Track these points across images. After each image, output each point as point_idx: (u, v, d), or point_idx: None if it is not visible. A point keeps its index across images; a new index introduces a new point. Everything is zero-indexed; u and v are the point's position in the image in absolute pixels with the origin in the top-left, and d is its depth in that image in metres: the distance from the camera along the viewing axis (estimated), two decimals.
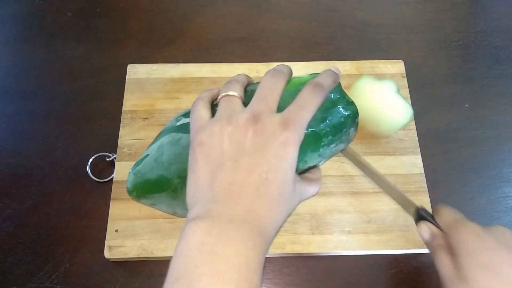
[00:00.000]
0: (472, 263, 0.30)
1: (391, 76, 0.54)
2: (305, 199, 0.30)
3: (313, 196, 0.31)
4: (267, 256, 0.45)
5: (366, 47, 0.58)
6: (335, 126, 0.31)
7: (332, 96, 0.31)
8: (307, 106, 0.28)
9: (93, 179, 0.48)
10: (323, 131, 0.30)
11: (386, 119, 0.45)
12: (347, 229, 0.45)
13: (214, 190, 0.26)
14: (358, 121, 0.32)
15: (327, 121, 0.30)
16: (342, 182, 0.48)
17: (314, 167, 0.32)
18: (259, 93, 0.28)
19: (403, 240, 0.45)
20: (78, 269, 0.45)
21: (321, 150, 0.31)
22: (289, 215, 0.28)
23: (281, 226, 0.28)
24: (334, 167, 0.48)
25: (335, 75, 0.31)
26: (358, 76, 0.54)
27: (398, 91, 0.46)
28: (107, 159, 0.49)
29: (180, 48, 0.58)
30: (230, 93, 0.29)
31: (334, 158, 0.49)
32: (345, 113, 0.31)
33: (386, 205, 0.46)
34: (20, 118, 0.53)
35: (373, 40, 0.59)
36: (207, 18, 0.61)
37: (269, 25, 0.61)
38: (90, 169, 0.49)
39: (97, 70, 0.56)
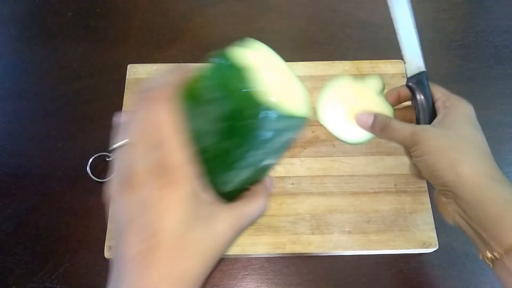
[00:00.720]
0: (461, 115, 0.40)
1: (391, 76, 0.54)
2: (250, 221, 0.27)
3: (260, 214, 0.28)
4: (267, 256, 0.45)
5: (366, 47, 0.58)
6: (242, 134, 0.25)
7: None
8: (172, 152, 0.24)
9: (93, 179, 0.48)
10: (224, 146, 0.26)
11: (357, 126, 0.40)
12: (347, 229, 0.45)
13: (116, 263, 0.24)
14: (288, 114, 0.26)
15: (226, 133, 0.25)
16: (342, 182, 0.48)
17: (254, 179, 0.28)
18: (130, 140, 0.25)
19: (403, 240, 0.45)
20: (78, 269, 0.45)
21: (238, 164, 0.26)
22: (220, 255, 0.26)
23: (208, 273, 0.25)
24: (334, 167, 0.48)
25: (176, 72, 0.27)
26: (358, 76, 0.54)
27: (382, 91, 0.42)
28: (107, 159, 0.49)
29: (180, 48, 0.58)
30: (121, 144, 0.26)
31: (334, 158, 0.49)
32: (255, 111, 0.25)
33: (386, 205, 0.46)
34: (20, 118, 0.53)
35: (373, 40, 0.59)
36: (207, 18, 0.61)
37: (269, 25, 0.61)
38: (90, 169, 0.49)
39: (97, 70, 0.56)
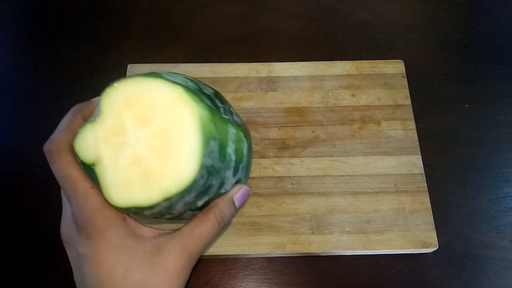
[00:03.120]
0: None
1: (391, 76, 0.54)
2: (206, 241, 0.25)
3: (216, 231, 0.26)
4: (267, 256, 0.45)
5: (366, 47, 0.59)
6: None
7: None
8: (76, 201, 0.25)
9: None
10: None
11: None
12: (347, 229, 0.45)
13: None
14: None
15: None
16: (342, 182, 0.48)
17: (193, 208, 0.26)
18: None
19: (403, 240, 0.45)
20: None
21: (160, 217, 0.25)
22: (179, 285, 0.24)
23: None
24: (334, 167, 0.48)
25: None
26: (359, 76, 0.54)
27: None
28: None
29: (180, 48, 0.58)
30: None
31: (334, 158, 0.49)
32: None
33: (386, 205, 0.46)
34: (20, 118, 0.53)
35: (373, 40, 0.59)
36: (207, 18, 0.61)
37: (269, 25, 0.61)
38: None
39: (97, 70, 0.56)
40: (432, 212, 0.46)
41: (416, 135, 0.50)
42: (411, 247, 0.44)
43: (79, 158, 0.24)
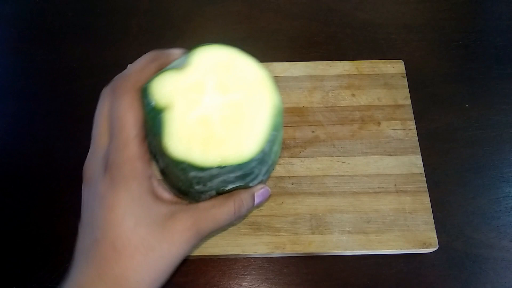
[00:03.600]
0: None
1: (391, 76, 0.54)
2: (216, 224, 0.25)
3: (229, 219, 0.26)
4: (267, 256, 0.45)
5: (366, 47, 0.58)
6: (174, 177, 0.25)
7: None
8: (121, 135, 0.24)
9: None
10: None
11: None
12: (347, 229, 0.45)
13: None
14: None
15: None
16: (342, 182, 0.48)
17: (226, 189, 0.26)
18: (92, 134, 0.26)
19: (403, 240, 0.45)
20: None
21: (190, 187, 0.25)
22: (172, 264, 0.24)
23: (160, 278, 0.24)
24: (334, 167, 0.48)
25: None
26: (359, 76, 0.54)
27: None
28: None
29: (180, 48, 0.58)
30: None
31: (334, 158, 0.49)
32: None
33: (386, 205, 0.46)
34: (20, 118, 0.53)
35: (373, 40, 0.59)
36: (207, 18, 0.61)
37: (269, 25, 0.61)
38: None
39: (97, 70, 0.56)
40: (432, 212, 0.46)
41: (416, 135, 0.50)
42: (411, 247, 0.44)
43: (150, 99, 0.24)
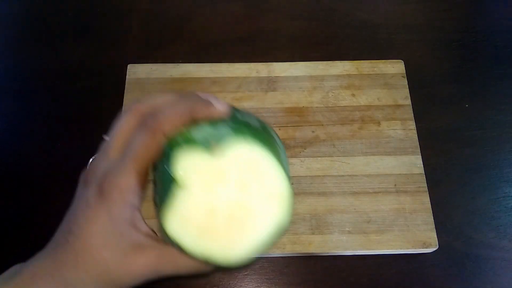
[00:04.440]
0: None
1: (391, 76, 0.54)
2: (174, 271, 0.26)
3: (189, 272, 0.26)
4: (267, 256, 0.45)
5: (366, 47, 0.58)
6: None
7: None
8: (127, 164, 0.25)
9: None
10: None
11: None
12: (347, 229, 0.45)
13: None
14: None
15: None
16: (342, 182, 0.48)
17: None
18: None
19: (403, 240, 0.45)
20: None
21: None
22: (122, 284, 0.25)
23: None
24: (334, 167, 0.48)
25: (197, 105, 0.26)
26: (359, 76, 0.54)
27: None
28: None
29: (180, 48, 0.58)
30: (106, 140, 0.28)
31: (334, 158, 0.49)
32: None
33: (386, 205, 0.46)
34: (20, 118, 0.53)
35: (373, 40, 0.59)
36: (207, 18, 0.61)
37: (269, 25, 0.61)
38: None
39: (97, 70, 0.56)
40: (432, 212, 0.46)
41: (416, 135, 0.50)
42: (411, 247, 0.44)
43: (170, 163, 0.23)
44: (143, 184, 0.26)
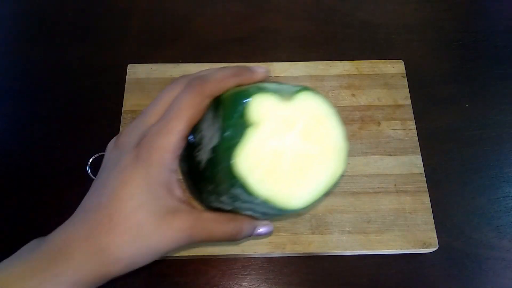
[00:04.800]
0: None
1: (391, 76, 0.54)
2: (210, 238, 0.25)
3: (223, 239, 0.26)
4: (267, 256, 0.45)
5: (366, 47, 0.58)
6: (216, 184, 0.24)
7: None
8: (170, 123, 0.24)
9: (93, 179, 0.48)
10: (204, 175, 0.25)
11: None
12: (347, 229, 0.45)
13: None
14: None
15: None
16: (342, 182, 0.48)
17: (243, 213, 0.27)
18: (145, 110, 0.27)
19: (403, 240, 0.45)
20: None
21: (213, 197, 0.26)
22: (155, 255, 0.25)
23: (133, 265, 0.25)
24: None
25: (233, 71, 0.26)
26: (359, 76, 0.54)
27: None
28: None
29: (180, 48, 0.58)
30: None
31: None
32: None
33: (386, 205, 0.46)
34: (20, 118, 0.53)
35: (373, 40, 0.59)
36: (207, 18, 0.61)
37: (269, 25, 0.61)
38: (90, 169, 0.49)
39: (97, 70, 0.56)
40: (432, 212, 0.46)
41: (416, 135, 0.50)
42: (411, 247, 0.44)
43: (242, 107, 0.24)
44: (181, 146, 0.25)
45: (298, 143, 0.25)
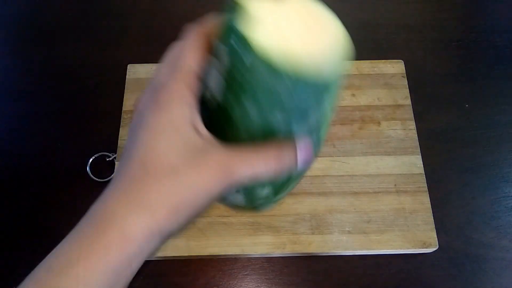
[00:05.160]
0: None
1: (391, 76, 0.54)
2: (250, 173, 0.24)
3: (267, 171, 0.24)
4: (267, 256, 0.45)
5: (366, 47, 0.58)
6: (239, 86, 0.23)
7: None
8: (179, 62, 0.25)
9: (93, 179, 0.48)
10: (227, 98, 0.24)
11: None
12: (347, 229, 0.45)
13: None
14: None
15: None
16: (342, 182, 0.48)
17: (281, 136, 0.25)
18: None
19: (403, 240, 0.45)
20: None
21: (244, 120, 0.24)
22: (198, 200, 0.23)
23: (178, 220, 0.23)
24: (334, 167, 0.48)
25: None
26: (359, 76, 0.54)
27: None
28: (107, 159, 0.49)
29: None
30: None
31: (334, 158, 0.49)
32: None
33: (386, 205, 0.46)
34: (20, 118, 0.53)
35: (373, 40, 0.59)
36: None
37: None
38: (90, 169, 0.49)
39: (97, 70, 0.56)
40: (432, 212, 0.46)
41: (416, 135, 0.50)
42: (411, 247, 0.44)
43: (236, 18, 0.24)
44: (197, 85, 0.25)
45: (301, 31, 0.25)
